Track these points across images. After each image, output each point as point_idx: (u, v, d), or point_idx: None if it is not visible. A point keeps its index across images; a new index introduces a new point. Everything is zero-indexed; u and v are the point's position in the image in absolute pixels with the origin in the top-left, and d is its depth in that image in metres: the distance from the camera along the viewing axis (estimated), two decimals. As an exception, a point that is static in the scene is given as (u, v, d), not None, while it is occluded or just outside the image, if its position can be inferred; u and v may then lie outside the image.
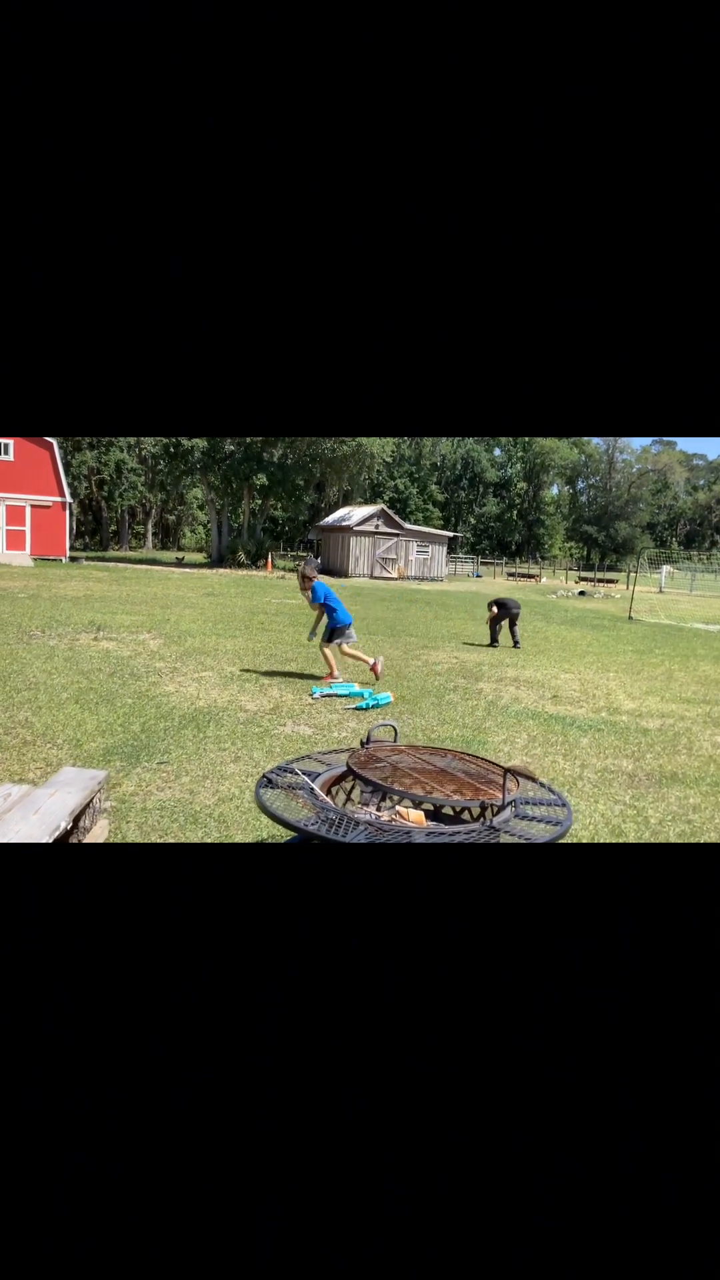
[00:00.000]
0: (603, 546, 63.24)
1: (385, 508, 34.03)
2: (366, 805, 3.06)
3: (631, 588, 26.26)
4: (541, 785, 3.01)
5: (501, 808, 2.68)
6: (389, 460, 45.76)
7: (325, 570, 32.81)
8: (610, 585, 36.04)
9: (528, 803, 2.87)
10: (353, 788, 3.16)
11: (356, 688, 7.17)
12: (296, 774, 3.07)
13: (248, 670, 7.98)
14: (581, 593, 29.88)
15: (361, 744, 3.38)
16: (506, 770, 2.76)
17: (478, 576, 41.46)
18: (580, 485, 68.69)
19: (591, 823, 4.11)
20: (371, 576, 31.70)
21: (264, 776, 3.06)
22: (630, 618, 18.57)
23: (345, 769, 3.08)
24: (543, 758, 5.34)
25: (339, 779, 3.14)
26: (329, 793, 3.10)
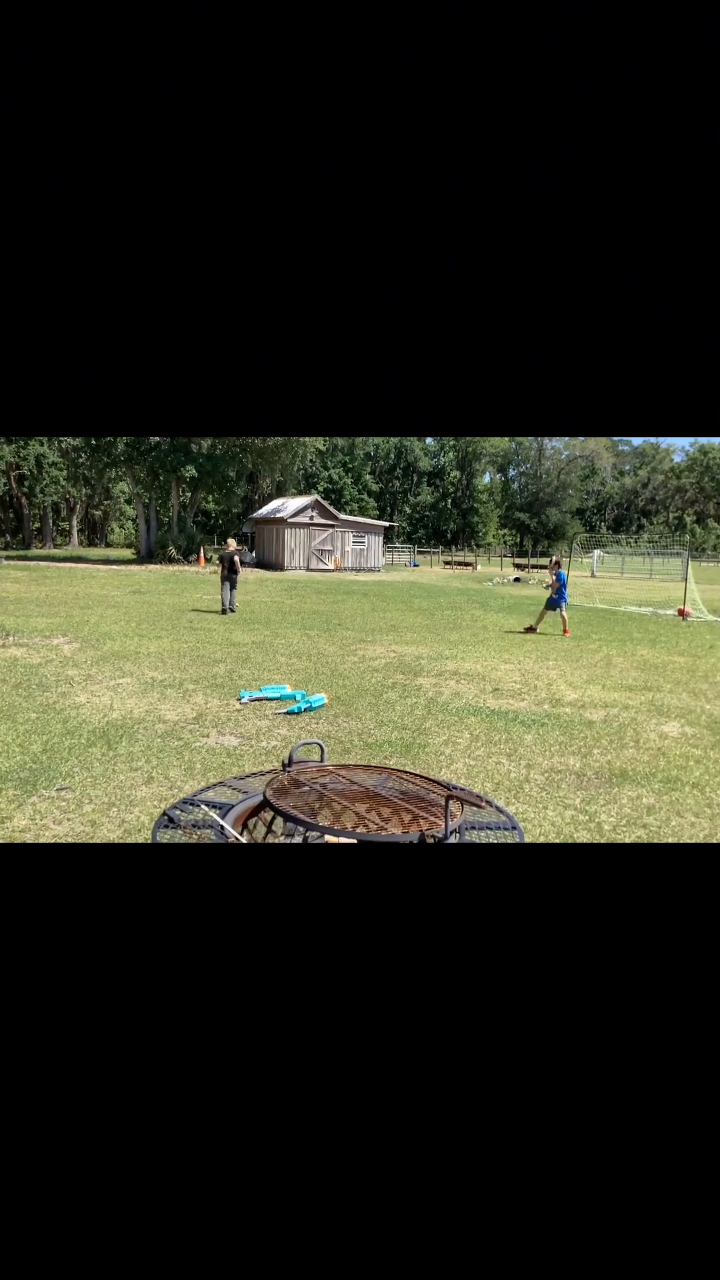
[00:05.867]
0: (535, 533, 64.30)
1: (320, 499, 33.44)
2: (291, 840, 2.63)
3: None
4: (488, 804, 2.63)
5: (444, 838, 2.28)
6: (322, 450, 44.99)
7: (261, 563, 32.09)
8: (544, 571, 36.53)
9: (474, 828, 2.50)
10: (272, 820, 2.71)
11: (289, 689, 6.70)
12: (203, 809, 2.60)
13: (171, 675, 7.40)
14: (516, 579, 30.08)
15: (283, 766, 2.93)
16: (449, 796, 2.36)
17: (414, 565, 41.41)
18: (512, 473, 69.59)
19: (542, 833, 3.77)
20: (308, 569, 31.15)
21: (164, 814, 2.59)
22: (566, 603, 18.61)
23: (262, 799, 2.63)
24: (486, 759, 5.00)
25: (255, 810, 2.69)
26: (245, 828, 2.65)
